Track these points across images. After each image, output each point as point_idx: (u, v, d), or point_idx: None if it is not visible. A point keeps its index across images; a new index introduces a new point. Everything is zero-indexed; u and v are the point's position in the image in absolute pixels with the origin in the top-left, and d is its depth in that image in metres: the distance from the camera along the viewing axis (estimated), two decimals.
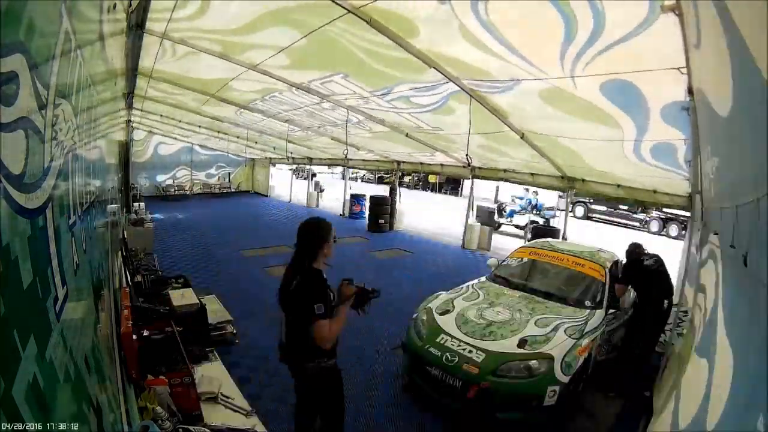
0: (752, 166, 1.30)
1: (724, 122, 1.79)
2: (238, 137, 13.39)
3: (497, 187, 22.28)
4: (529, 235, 10.38)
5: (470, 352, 3.63)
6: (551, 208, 14.69)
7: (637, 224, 17.78)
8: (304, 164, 16.85)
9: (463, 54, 3.80)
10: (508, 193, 20.81)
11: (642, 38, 2.70)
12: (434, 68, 4.20)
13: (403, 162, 12.50)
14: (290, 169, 21.04)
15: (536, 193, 14.21)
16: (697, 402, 1.92)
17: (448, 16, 3.13)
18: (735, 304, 1.73)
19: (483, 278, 5.26)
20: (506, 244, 11.14)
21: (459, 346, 3.72)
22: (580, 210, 19.76)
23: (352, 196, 14.92)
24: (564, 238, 8.81)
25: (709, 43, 1.81)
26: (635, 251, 4.68)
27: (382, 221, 12.47)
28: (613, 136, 4.69)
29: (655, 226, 17.13)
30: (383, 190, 16.19)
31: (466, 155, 6.30)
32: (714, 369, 1.86)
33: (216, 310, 5.08)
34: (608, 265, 4.91)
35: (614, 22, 2.65)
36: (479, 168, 9.99)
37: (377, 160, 13.24)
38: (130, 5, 3.56)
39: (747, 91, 1.28)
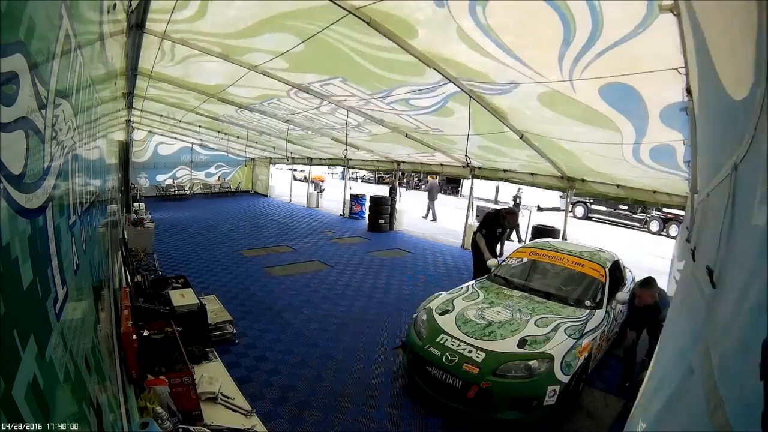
0: (708, 165, 1.32)
1: (700, 122, 1.82)
2: (238, 137, 13.39)
3: (497, 187, 22.34)
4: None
5: (470, 352, 3.63)
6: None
7: (637, 224, 17.80)
8: (305, 164, 16.85)
9: (460, 56, 3.80)
10: (509, 192, 20.85)
11: (640, 39, 2.71)
12: (434, 68, 4.21)
13: (403, 162, 12.50)
14: (290, 169, 21.08)
15: None
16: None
17: (445, 18, 3.13)
18: (677, 300, 1.74)
19: (483, 278, 5.26)
20: (506, 245, 11.13)
21: (459, 346, 3.72)
22: (580, 210, 19.77)
23: (352, 196, 14.92)
24: (564, 238, 8.82)
25: (689, 44, 1.83)
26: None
27: (382, 221, 12.48)
28: (612, 140, 4.70)
29: (655, 226, 17.15)
30: (378, 190, 16.19)
31: (465, 156, 6.31)
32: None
33: (216, 310, 5.08)
34: (608, 264, 4.91)
35: (612, 21, 2.65)
36: (479, 168, 9.99)
37: (377, 161, 13.24)
38: (130, 5, 3.57)
39: (708, 90, 1.30)
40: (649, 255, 12.23)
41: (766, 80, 0.65)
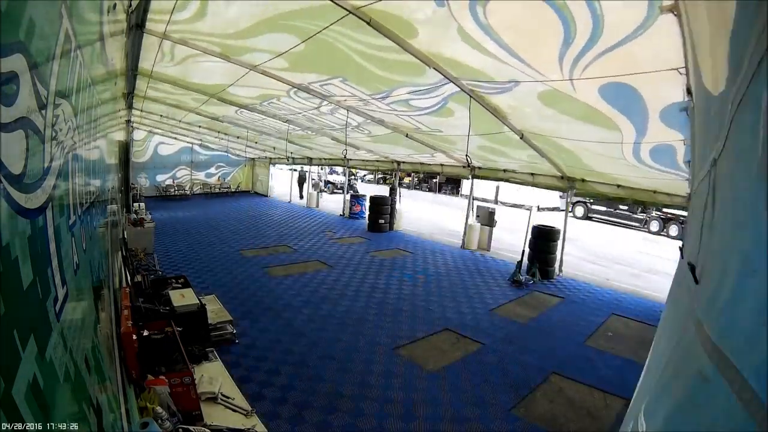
0: (698, 162, 1.33)
1: (695, 120, 1.82)
2: (238, 137, 13.39)
3: (497, 187, 22.31)
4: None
5: None
6: None
7: (637, 224, 17.79)
8: (304, 164, 16.85)
9: (461, 55, 3.81)
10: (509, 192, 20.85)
11: (641, 40, 2.71)
12: (434, 68, 4.21)
13: (403, 162, 12.50)
14: (290, 170, 21.11)
15: None
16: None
17: (445, 18, 3.13)
18: (669, 298, 1.74)
19: None
20: (506, 244, 11.14)
21: None
22: (580, 210, 19.77)
23: (352, 196, 14.92)
24: (564, 239, 8.80)
25: (697, 44, 1.84)
26: None
27: (382, 221, 12.48)
28: (612, 139, 4.70)
29: (655, 226, 17.16)
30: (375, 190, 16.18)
31: (466, 156, 6.31)
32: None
33: (216, 310, 5.08)
34: None
35: (612, 24, 2.65)
36: (479, 168, 10.00)
37: (377, 161, 13.24)
38: (130, 5, 3.57)
39: (697, 87, 1.30)
40: (647, 255, 12.24)
41: (752, 75, 0.62)
